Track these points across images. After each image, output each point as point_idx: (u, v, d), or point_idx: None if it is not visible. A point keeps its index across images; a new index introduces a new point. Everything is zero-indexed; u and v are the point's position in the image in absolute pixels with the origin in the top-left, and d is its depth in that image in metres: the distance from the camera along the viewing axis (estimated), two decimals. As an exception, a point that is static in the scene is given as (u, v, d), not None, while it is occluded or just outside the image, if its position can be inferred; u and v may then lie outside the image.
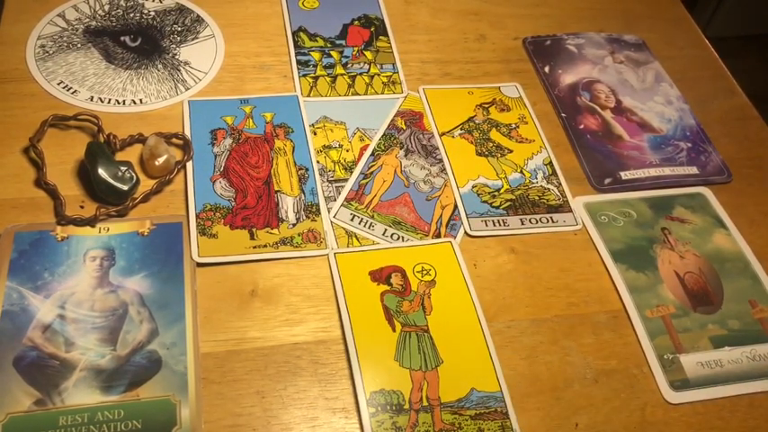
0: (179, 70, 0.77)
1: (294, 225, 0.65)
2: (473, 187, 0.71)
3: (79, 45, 0.77)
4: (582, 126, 0.79)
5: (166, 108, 0.73)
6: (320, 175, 0.70)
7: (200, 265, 0.61)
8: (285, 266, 0.63)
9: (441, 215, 0.69)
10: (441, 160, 0.73)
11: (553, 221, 0.70)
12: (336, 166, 0.71)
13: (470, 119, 0.78)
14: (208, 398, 0.54)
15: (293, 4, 0.86)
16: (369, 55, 0.82)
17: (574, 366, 0.60)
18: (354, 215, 0.67)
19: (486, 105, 0.79)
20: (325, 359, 0.58)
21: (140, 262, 0.60)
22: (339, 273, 0.63)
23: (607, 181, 0.74)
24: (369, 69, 0.81)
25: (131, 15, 0.82)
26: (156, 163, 0.66)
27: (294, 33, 0.83)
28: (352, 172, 0.71)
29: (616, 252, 0.68)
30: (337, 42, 0.83)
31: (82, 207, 0.64)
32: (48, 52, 0.76)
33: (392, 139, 0.74)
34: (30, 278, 0.58)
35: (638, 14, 0.94)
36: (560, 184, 0.73)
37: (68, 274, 0.58)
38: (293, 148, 0.71)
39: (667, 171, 0.76)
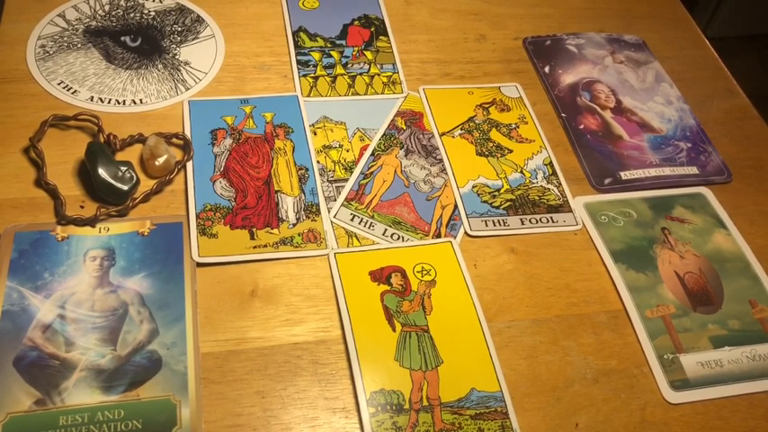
0: (179, 70, 0.77)
1: (294, 225, 0.65)
2: (473, 187, 0.71)
3: (79, 45, 0.77)
4: (582, 126, 0.79)
5: (166, 108, 0.73)
6: (320, 175, 0.70)
7: (200, 265, 0.61)
8: (285, 266, 0.63)
9: (441, 215, 0.69)
10: (441, 160, 0.73)
11: (553, 221, 0.70)
12: (336, 166, 0.71)
13: (470, 119, 0.78)
14: (208, 398, 0.54)
15: (293, 4, 0.86)
16: (369, 55, 0.82)
17: (574, 366, 0.60)
18: (354, 215, 0.67)
19: (487, 105, 0.79)
20: (326, 359, 0.58)
21: (140, 262, 0.60)
22: (339, 273, 0.63)
23: (607, 181, 0.74)
24: (369, 69, 0.81)
25: (131, 15, 0.82)
26: (157, 163, 0.66)
27: (294, 33, 0.83)
28: (352, 172, 0.71)
29: (616, 252, 0.68)
30: (337, 42, 0.83)
31: (82, 207, 0.64)
32: (48, 52, 0.76)
33: (392, 139, 0.74)
34: (30, 278, 0.58)
35: (638, 14, 0.94)
36: (560, 184, 0.73)
37: (68, 274, 0.58)
38: (293, 148, 0.71)
39: (667, 171, 0.76)
